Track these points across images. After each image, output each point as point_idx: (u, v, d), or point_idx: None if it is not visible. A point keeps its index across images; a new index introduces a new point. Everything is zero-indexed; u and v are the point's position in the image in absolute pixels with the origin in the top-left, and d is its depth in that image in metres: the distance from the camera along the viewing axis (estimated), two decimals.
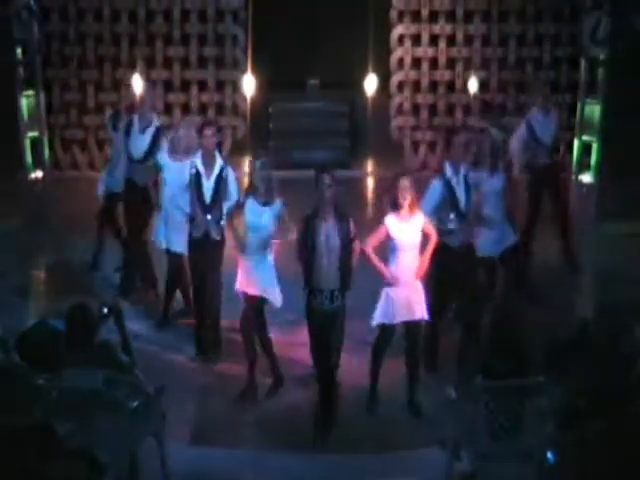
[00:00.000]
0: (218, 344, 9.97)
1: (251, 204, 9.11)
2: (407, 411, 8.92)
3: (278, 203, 9.12)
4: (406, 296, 8.79)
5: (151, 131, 11.07)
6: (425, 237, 8.90)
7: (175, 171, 10.10)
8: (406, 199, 8.66)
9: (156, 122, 11.26)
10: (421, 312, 8.89)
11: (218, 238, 9.71)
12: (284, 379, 9.33)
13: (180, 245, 10.14)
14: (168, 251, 10.47)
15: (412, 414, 8.91)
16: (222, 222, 9.67)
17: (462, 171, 9.51)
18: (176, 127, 10.82)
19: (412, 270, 8.80)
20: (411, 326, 8.92)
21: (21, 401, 6.41)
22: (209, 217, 9.69)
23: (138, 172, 10.97)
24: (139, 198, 10.90)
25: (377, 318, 8.86)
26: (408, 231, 8.73)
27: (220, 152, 10.13)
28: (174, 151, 10.29)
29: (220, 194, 9.70)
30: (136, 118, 11.18)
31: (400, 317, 8.82)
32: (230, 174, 9.78)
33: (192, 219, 9.79)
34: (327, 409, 8.60)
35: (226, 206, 9.66)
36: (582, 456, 6.10)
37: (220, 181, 9.70)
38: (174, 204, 10.14)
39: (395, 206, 8.70)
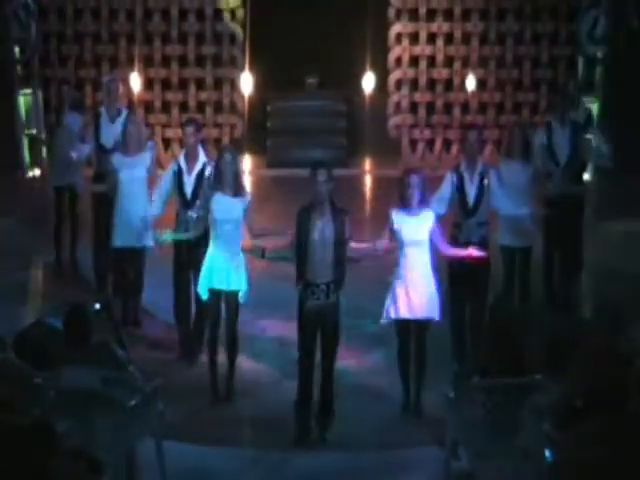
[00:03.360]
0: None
1: (221, 198, 9.06)
2: (409, 411, 8.91)
3: (247, 196, 9.14)
4: (414, 293, 8.74)
5: (121, 120, 11.12)
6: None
7: (128, 168, 10.30)
8: (414, 195, 8.66)
9: (125, 112, 11.36)
10: (430, 311, 8.81)
11: (198, 234, 9.59)
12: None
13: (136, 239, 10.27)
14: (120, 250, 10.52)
15: (415, 415, 8.89)
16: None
17: (478, 168, 9.53)
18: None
19: (420, 267, 8.76)
20: (419, 324, 8.89)
21: (19, 400, 6.41)
22: (189, 213, 9.72)
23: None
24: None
25: (386, 315, 8.82)
26: (414, 227, 8.72)
27: (204, 149, 10.12)
28: (126, 148, 10.41)
29: (201, 190, 9.70)
30: (103, 109, 11.33)
31: (408, 313, 8.76)
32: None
33: (177, 215, 9.86)
34: (323, 408, 8.59)
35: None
36: (580, 456, 6.10)
37: (202, 177, 9.72)
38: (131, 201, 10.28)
39: (403, 201, 8.70)
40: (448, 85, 16.77)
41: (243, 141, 16.48)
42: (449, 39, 16.69)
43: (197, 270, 9.32)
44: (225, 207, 8.97)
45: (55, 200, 12.07)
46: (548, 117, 15.81)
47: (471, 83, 16.20)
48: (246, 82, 15.84)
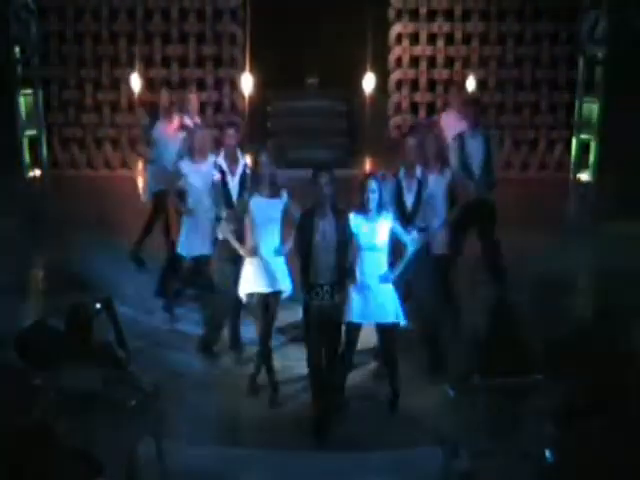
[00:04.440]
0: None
1: (259, 199, 9.04)
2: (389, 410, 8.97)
3: (285, 196, 9.09)
4: (370, 298, 8.66)
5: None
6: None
7: (197, 175, 10.15)
8: (372, 200, 8.63)
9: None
10: (390, 315, 8.73)
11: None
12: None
13: (205, 247, 10.15)
14: (192, 258, 10.42)
15: (391, 412, 8.94)
16: None
17: (417, 174, 9.55)
18: (190, 131, 10.90)
19: (377, 272, 8.66)
20: (381, 329, 8.88)
21: (19, 400, 6.42)
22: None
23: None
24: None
25: (345, 317, 8.74)
26: (371, 231, 8.65)
27: (242, 151, 10.14)
28: (192, 155, 10.31)
29: (245, 192, 9.60)
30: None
31: (362, 318, 8.70)
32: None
33: (218, 219, 9.78)
34: (323, 407, 8.59)
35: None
36: (580, 455, 6.10)
37: (245, 179, 9.68)
38: (201, 208, 10.15)
39: (362, 206, 8.69)
40: (448, 86, 16.76)
41: (244, 141, 16.45)
42: (449, 39, 16.69)
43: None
44: (264, 208, 8.96)
45: (154, 204, 11.88)
46: (549, 118, 15.91)
47: (471, 83, 16.20)
48: (247, 82, 15.81)
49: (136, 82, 15.58)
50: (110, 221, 13.47)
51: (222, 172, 9.82)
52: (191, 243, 10.30)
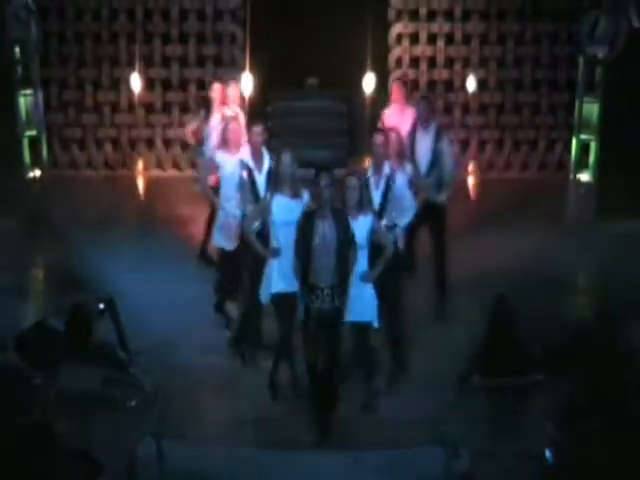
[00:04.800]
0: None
1: (281, 199, 8.99)
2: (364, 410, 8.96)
3: (306, 196, 9.04)
4: (351, 295, 8.64)
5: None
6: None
7: (231, 167, 10.11)
8: (352, 199, 8.59)
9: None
10: (365, 314, 8.73)
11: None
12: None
13: (232, 243, 10.14)
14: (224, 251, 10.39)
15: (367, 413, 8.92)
16: None
17: (386, 171, 9.52)
18: (224, 121, 10.87)
19: (357, 270, 8.65)
20: (355, 328, 8.84)
21: (20, 400, 6.42)
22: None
23: None
24: None
25: None
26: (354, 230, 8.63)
27: (267, 148, 10.10)
28: (226, 145, 10.33)
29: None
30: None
31: (347, 316, 8.69)
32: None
33: (244, 215, 9.70)
34: (323, 409, 8.60)
35: None
36: (581, 455, 6.10)
37: (270, 177, 9.55)
38: (233, 201, 10.08)
39: (342, 204, 8.65)
40: (448, 86, 16.77)
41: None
42: (449, 40, 16.69)
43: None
44: (285, 208, 8.88)
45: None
46: (549, 118, 15.91)
47: (472, 84, 16.20)
48: (247, 82, 15.81)
49: (136, 82, 15.59)
50: (110, 221, 13.50)
51: (249, 169, 9.77)
52: (222, 236, 10.29)
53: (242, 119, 11.36)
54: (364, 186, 8.83)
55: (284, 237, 8.88)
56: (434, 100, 11.96)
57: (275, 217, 8.91)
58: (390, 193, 9.43)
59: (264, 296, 9.08)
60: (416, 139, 10.77)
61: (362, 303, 8.69)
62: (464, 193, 15.52)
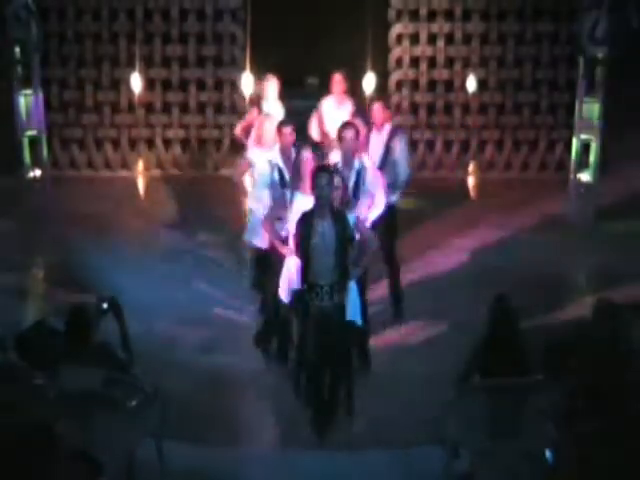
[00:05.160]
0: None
1: (302, 197, 8.94)
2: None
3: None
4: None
5: None
6: None
7: (264, 163, 9.97)
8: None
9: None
10: (349, 313, 8.73)
11: None
12: None
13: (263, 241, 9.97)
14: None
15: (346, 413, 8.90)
16: None
17: (356, 165, 9.52)
18: (260, 119, 10.84)
19: None
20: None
21: (20, 401, 6.42)
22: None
23: None
24: None
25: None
26: None
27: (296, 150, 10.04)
28: (260, 143, 10.34)
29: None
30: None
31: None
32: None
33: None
34: (323, 408, 8.59)
35: None
36: (580, 455, 6.10)
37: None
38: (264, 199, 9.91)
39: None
40: (449, 86, 16.75)
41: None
42: (450, 40, 16.67)
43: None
44: (307, 207, 8.84)
45: None
46: (549, 118, 15.89)
47: (472, 84, 16.19)
48: (247, 82, 15.81)
49: (136, 82, 15.58)
50: (110, 221, 13.49)
51: (279, 169, 9.70)
52: (253, 233, 10.19)
53: (280, 116, 11.21)
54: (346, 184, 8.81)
55: None
56: (387, 102, 11.74)
57: (296, 215, 8.83)
58: (360, 188, 9.43)
59: (285, 294, 9.05)
60: (369, 140, 10.60)
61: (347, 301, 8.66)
62: (464, 193, 15.55)
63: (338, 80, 12.17)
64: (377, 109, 10.79)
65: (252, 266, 10.62)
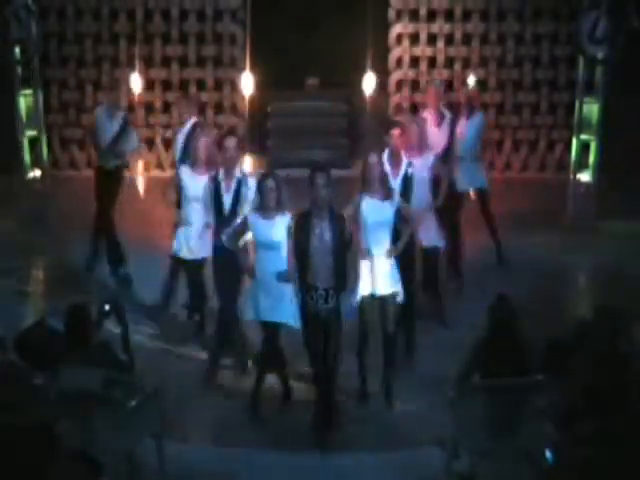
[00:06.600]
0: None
1: (369, 202, 8.85)
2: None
3: (396, 198, 8.98)
4: (267, 295, 8.65)
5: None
6: None
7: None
8: (271, 199, 8.54)
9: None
10: (283, 314, 8.73)
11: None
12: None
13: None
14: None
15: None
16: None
17: (236, 175, 9.50)
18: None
19: (273, 271, 8.62)
20: (272, 328, 8.81)
21: (20, 401, 6.42)
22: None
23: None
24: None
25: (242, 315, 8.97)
26: (267, 230, 8.57)
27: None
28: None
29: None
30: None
31: (261, 315, 8.74)
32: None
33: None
34: (325, 410, 8.59)
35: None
36: (580, 455, 6.10)
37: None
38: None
39: (261, 204, 8.66)
40: (449, 86, 16.74)
41: (244, 142, 16.45)
42: (449, 40, 16.68)
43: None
44: (375, 211, 8.84)
45: None
46: (549, 118, 15.89)
47: (471, 84, 16.18)
48: (247, 83, 15.81)
49: (136, 82, 15.58)
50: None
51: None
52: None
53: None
54: (281, 186, 8.70)
55: (374, 240, 8.85)
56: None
57: (366, 219, 8.80)
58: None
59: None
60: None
61: (282, 303, 8.64)
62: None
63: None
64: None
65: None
